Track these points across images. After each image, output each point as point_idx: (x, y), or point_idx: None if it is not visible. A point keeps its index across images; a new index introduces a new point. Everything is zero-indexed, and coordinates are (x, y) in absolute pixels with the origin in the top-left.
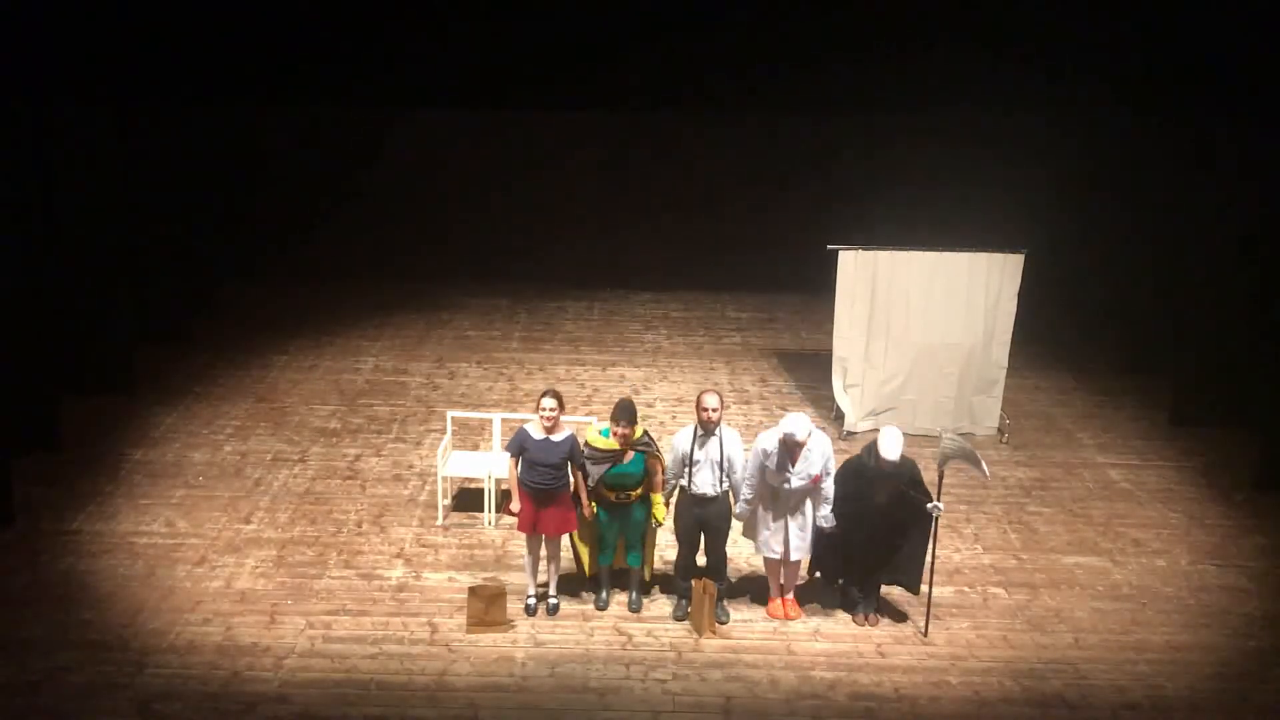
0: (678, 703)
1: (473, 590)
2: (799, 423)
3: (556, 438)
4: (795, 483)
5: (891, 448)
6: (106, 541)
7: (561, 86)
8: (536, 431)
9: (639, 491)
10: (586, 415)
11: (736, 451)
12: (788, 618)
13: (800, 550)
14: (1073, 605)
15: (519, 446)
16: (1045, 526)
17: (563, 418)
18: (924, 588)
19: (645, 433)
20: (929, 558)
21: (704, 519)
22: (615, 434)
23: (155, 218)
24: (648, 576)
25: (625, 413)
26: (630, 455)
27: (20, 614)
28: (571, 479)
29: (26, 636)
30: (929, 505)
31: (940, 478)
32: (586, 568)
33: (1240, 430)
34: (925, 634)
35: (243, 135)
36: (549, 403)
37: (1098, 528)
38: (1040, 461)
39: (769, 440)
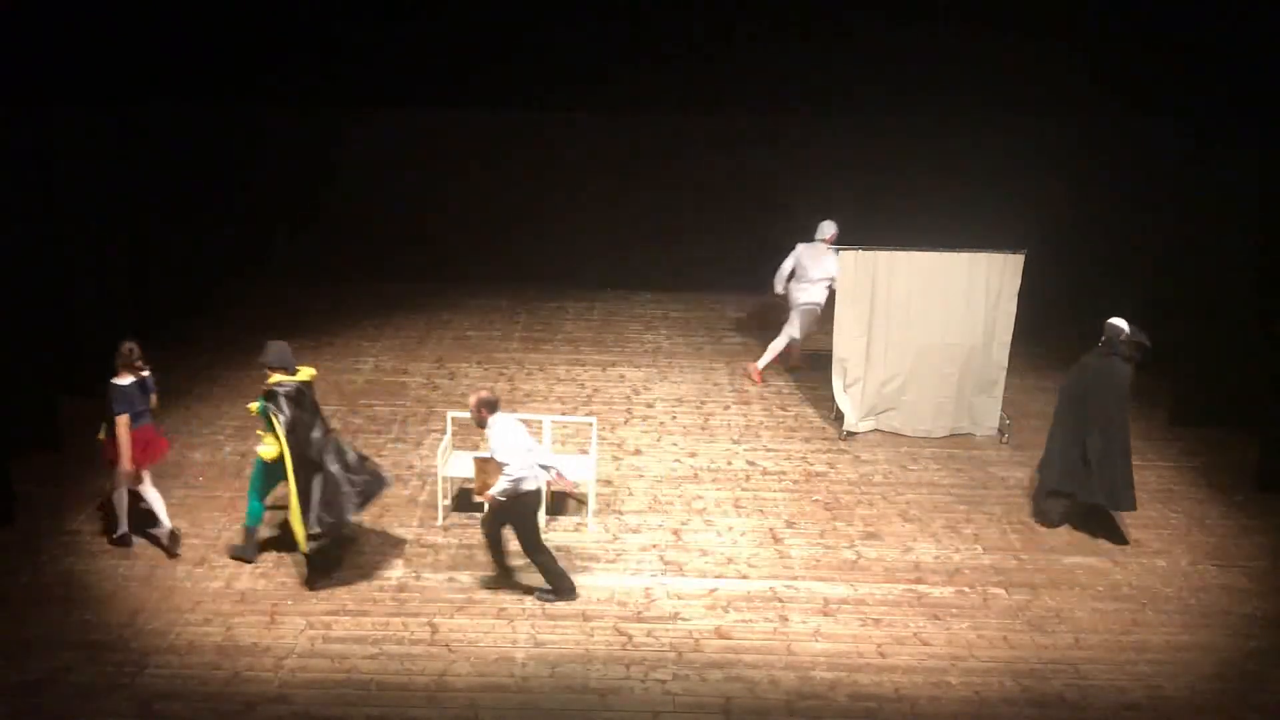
0: (678, 703)
1: (479, 460)
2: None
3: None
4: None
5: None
6: (106, 541)
7: (562, 87)
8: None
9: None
10: (587, 415)
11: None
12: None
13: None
14: (1073, 605)
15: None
16: (1045, 526)
17: (563, 418)
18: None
19: (277, 390)
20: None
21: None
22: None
23: (155, 217)
24: (302, 544)
25: (271, 353)
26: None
27: (20, 614)
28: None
29: (26, 636)
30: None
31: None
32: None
33: (1240, 430)
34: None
35: (242, 135)
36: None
37: (1098, 528)
38: None
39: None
